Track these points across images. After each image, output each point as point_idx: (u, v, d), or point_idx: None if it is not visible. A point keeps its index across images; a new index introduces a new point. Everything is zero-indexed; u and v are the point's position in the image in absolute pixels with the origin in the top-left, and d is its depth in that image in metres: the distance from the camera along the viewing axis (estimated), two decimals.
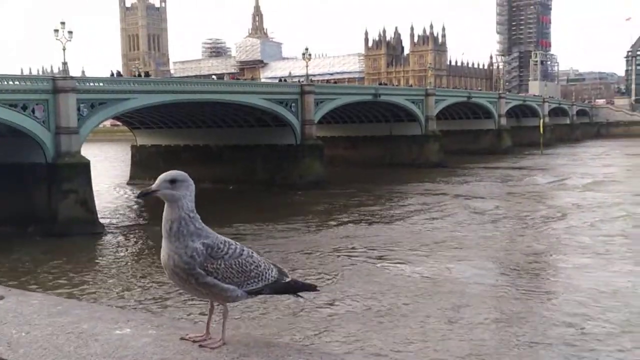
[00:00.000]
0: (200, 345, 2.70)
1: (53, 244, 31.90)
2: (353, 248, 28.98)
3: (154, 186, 2.74)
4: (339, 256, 27.31)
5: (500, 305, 19.44)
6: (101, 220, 37.58)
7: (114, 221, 40.02)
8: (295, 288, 2.93)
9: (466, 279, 22.84)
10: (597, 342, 15.89)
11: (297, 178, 53.54)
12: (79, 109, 39.73)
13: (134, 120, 59.29)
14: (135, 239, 34.32)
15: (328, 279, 22.88)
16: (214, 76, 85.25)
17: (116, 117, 55.99)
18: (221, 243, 2.76)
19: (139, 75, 70.62)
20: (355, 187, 52.27)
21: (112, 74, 54.38)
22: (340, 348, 14.17)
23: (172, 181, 2.73)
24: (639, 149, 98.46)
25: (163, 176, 2.74)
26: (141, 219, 41.73)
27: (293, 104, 56.09)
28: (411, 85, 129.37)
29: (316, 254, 27.55)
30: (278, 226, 34.53)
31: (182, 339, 2.79)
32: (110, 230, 36.47)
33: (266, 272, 2.84)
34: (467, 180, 58.42)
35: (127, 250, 31.67)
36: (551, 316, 18.22)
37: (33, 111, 37.38)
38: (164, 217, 2.73)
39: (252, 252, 2.84)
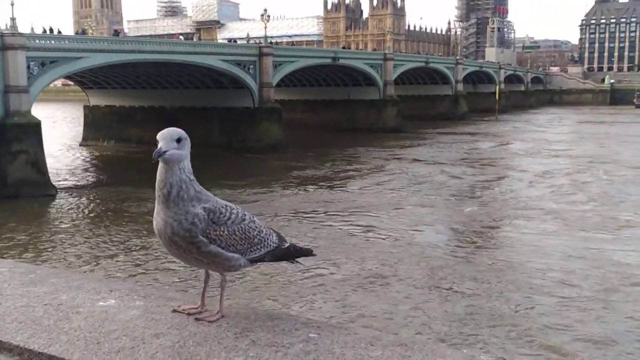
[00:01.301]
0: (197, 319, 2.47)
1: (4, 207, 30.91)
2: (314, 212, 28.88)
3: (163, 146, 2.40)
4: (301, 220, 27.18)
5: (467, 269, 19.66)
6: (53, 182, 36.57)
7: (66, 183, 39.02)
8: (294, 253, 2.72)
9: (428, 243, 23.09)
10: (565, 308, 16.18)
11: (254, 142, 53.00)
12: (28, 67, 38.34)
13: (87, 80, 57.61)
14: (89, 201, 33.54)
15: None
16: (181, 37, 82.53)
17: (68, 77, 54.28)
18: (222, 207, 2.51)
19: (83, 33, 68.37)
20: (314, 151, 52.09)
21: (45, 30, 52.26)
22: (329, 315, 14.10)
23: (179, 139, 2.43)
24: (590, 116, 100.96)
25: (168, 134, 2.42)
26: (94, 180, 40.81)
27: (251, 66, 55.20)
28: (374, 50, 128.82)
29: (277, 218, 27.34)
30: (237, 191, 34.16)
31: (174, 311, 2.55)
32: (62, 192, 35.54)
33: (268, 238, 2.61)
34: (424, 145, 58.86)
35: (83, 212, 30.91)
36: (519, 281, 18.44)
37: None
38: (159, 179, 2.43)
39: (253, 217, 2.60)
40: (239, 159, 47.48)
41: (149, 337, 2.30)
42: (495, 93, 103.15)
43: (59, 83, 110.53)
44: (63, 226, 27.68)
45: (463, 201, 31.82)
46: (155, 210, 2.47)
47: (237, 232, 2.50)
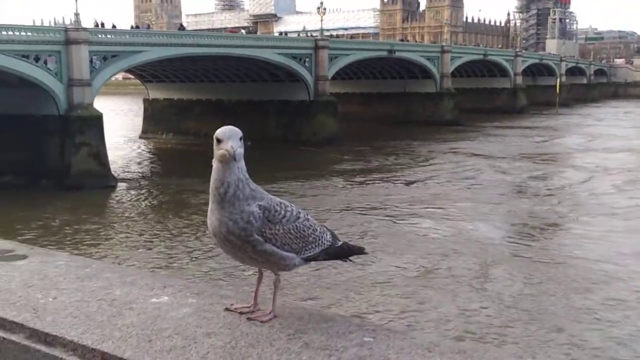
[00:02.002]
0: (249, 318, 2.42)
1: (68, 197, 31.82)
2: (370, 206, 28.74)
3: (235, 145, 2.32)
4: (358, 215, 27.06)
5: (526, 267, 19.24)
6: (114, 174, 37.45)
7: (126, 174, 39.92)
8: (347, 252, 2.66)
9: (488, 240, 22.71)
10: (624, 309, 15.65)
11: (310, 135, 53.07)
12: (91, 61, 39.30)
13: (147, 73, 58.73)
14: (147, 192, 34.22)
15: (354, 240, 22.55)
16: (242, 31, 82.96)
17: (128, 70, 55.44)
18: (277, 205, 2.45)
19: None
20: (369, 144, 51.82)
21: (97, 25, 53.18)
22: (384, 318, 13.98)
23: (241, 138, 2.37)
24: None
25: (233, 132, 2.34)
26: (153, 173, 41.64)
27: (307, 59, 55.30)
28: (432, 42, 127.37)
29: (333, 212, 27.31)
30: (292, 184, 34.28)
31: (226, 309, 2.52)
32: (122, 184, 36.37)
33: (322, 237, 2.55)
34: (481, 138, 57.86)
35: (142, 203, 31.57)
36: (576, 282, 17.90)
37: (45, 62, 37.02)
38: (215, 178, 2.38)
39: (307, 215, 2.54)
40: (294, 151, 47.67)
41: (200, 336, 2.26)
42: (555, 86, 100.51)
43: (119, 76, 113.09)
44: (122, 218, 28.31)
45: (522, 197, 31.16)
46: (210, 209, 2.43)
47: (292, 231, 2.45)
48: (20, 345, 2.40)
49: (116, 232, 25.23)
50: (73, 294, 2.72)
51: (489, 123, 71.73)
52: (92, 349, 2.25)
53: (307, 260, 2.53)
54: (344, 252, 2.64)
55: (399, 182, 35.66)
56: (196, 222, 25.77)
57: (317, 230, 2.53)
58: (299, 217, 2.49)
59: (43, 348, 2.34)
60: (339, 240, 2.63)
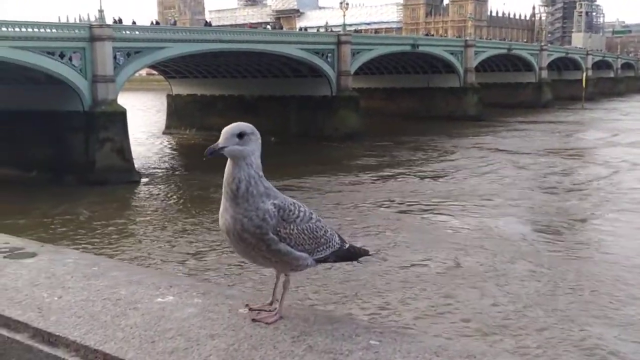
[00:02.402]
0: (254, 320, 2.37)
1: (92, 193, 32.12)
2: (394, 201, 28.62)
3: (221, 142, 2.35)
4: (382, 210, 26.94)
5: (553, 262, 19.02)
6: (137, 169, 37.73)
7: (150, 170, 40.20)
8: (355, 254, 2.63)
9: (516, 235, 22.53)
10: None
11: (332, 130, 52.95)
12: (115, 58, 39.60)
13: (170, 69, 59.05)
14: (170, 188, 34.43)
15: (375, 235, 22.42)
16: (268, 26, 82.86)
17: (152, 66, 55.81)
18: (291, 205, 2.43)
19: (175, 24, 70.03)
20: (392, 139, 51.55)
21: (115, 21, 53.49)
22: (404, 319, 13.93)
23: (240, 135, 2.36)
24: None
25: (229, 129, 2.37)
26: (177, 168, 41.87)
27: (329, 55, 55.19)
28: (457, 36, 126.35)
29: (358, 208, 27.21)
30: (315, 180, 34.22)
31: (248, 307, 2.50)
32: (146, 179, 36.64)
33: (332, 239, 2.54)
34: (506, 134, 57.28)
35: (164, 199, 31.77)
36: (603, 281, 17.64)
37: (70, 59, 37.39)
38: (227, 175, 2.36)
39: (318, 217, 2.51)
40: (316, 147, 47.61)
41: (203, 338, 2.22)
42: (581, 80, 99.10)
43: (143, 72, 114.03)
44: (145, 213, 28.51)
45: (548, 192, 30.81)
46: (222, 208, 2.40)
47: (306, 231, 2.43)
48: (24, 345, 2.38)
49: (139, 227, 25.42)
50: (79, 293, 2.69)
51: (514, 118, 71.01)
52: (95, 349, 2.21)
53: (318, 261, 2.50)
54: (351, 254, 2.62)
55: (422, 177, 35.45)
56: (214, 217, 25.83)
57: (327, 232, 2.52)
58: (311, 218, 2.47)
59: (46, 348, 2.32)
60: (346, 243, 2.62)
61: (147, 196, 32.75)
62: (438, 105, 72.51)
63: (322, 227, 2.49)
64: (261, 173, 2.40)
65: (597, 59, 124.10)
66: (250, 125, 2.41)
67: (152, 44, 42.52)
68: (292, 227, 2.38)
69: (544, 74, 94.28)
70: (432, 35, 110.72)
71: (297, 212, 2.41)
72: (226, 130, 2.37)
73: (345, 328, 2.26)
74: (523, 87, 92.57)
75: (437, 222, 24.64)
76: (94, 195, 31.59)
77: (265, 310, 2.47)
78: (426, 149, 47.02)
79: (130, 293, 2.67)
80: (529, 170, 37.41)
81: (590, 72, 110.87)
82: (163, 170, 40.72)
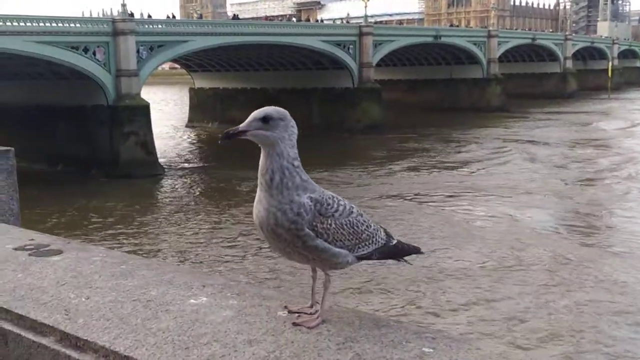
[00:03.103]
0: (295, 324, 2.20)
1: (116, 185, 32.26)
2: (418, 194, 28.32)
3: (242, 125, 2.18)
4: (406, 204, 26.67)
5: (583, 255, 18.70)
6: (161, 162, 37.82)
7: (173, 164, 40.29)
8: (402, 251, 2.43)
9: (543, 228, 22.27)
10: None
11: (354, 122, 52.65)
12: (138, 52, 39.70)
13: (192, 63, 59.14)
14: (193, 181, 34.46)
15: (405, 229, 22.12)
16: (293, 18, 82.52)
17: (174, 60, 55.92)
18: (329, 198, 2.24)
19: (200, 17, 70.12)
20: (415, 131, 51.10)
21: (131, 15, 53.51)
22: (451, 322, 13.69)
23: (265, 119, 2.17)
24: None
25: (255, 113, 2.20)
26: (200, 161, 41.92)
27: (351, 46, 54.82)
28: (482, 27, 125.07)
29: (382, 200, 26.95)
30: (337, 173, 34.00)
31: (290, 312, 2.32)
32: (170, 173, 36.71)
33: (376, 234, 2.33)
34: (530, 125, 56.51)
35: (187, 193, 31.78)
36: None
37: (94, 54, 37.55)
38: (260, 165, 2.19)
39: (360, 211, 2.32)
40: (338, 139, 47.34)
41: (241, 344, 2.05)
42: (607, 70, 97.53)
43: (166, 66, 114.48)
44: (167, 207, 28.48)
45: (576, 184, 30.32)
46: (256, 199, 2.23)
47: (345, 226, 2.23)
48: (50, 350, 2.24)
49: (164, 221, 25.42)
50: (107, 294, 2.54)
51: (538, 109, 70.05)
52: (125, 356, 2.06)
53: (360, 258, 2.31)
54: (398, 251, 2.42)
55: (446, 170, 35.06)
56: (244, 210, 25.83)
57: (371, 226, 2.32)
58: (352, 212, 2.27)
59: (74, 354, 2.18)
60: (393, 239, 2.41)
61: (171, 189, 32.80)
62: (461, 96, 71.77)
63: (365, 221, 2.30)
64: (297, 163, 2.22)
65: (623, 48, 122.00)
66: (281, 110, 2.23)
67: (174, 37, 42.56)
68: (329, 221, 2.20)
69: (569, 63, 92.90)
70: (457, 26, 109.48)
71: (335, 206, 2.24)
72: (253, 114, 2.21)
73: (395, 334, 2.08)
74: (547, 77, 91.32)
75: (461, 216, 24.31)
76: (118, 188, 31.73)
77: (306, 313, 2.30)
78: (449, 141, 46.52)
79: (161, 294, 2.52)
80: (556, 162, 36.83)
81: (616, 62, 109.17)
82: (186, 164, 40.78)
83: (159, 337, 2.15)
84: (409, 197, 27.80)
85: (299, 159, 2.21)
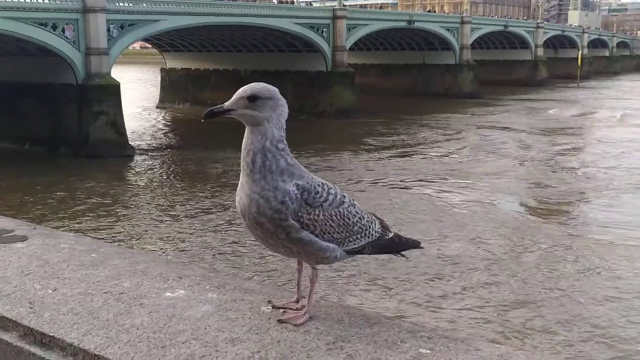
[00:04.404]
0: (280, 320, 2.05)
1: (85, 166, 31.68)
2: (389, 179, 28.31)
3: (228, 103, 2.01)
4: (376, 189, 26.62)
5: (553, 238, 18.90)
6: (131, 143, 37.26)
7: (144, 144, 39.72)
8: (399, 245, 2.25)
9: (513, 212, 22.65)
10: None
11: (327, 106, 52.40)
12: (108, 30, 38.92)
13: (164, 42, 58.24)
14: (164, 162, 34.01)
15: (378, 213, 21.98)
16: (274, 0, 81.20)
17: (146, 40, 54.99)
18: (318, 186, 2.06)
19: None
20: (387, 116, 51.04)
21: None
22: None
23: (252, 97, 2.00)
24: None
25: (240, 90, 2.03)
26: (170, 142, 41.39)
27: (324, 29, 54.45)
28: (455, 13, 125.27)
29: (351, 186, 26.83)
30: (308, 156, 33.70)
31: (271, 304, 2.16)
32: (140, 154, 36.18)
33: (370, 226, 2.15)
34: (501, 111, 56.88)
35: (158, 174, 31.36)
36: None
37: (63, 31, 36.71)
38: (243, 146, 2.02)
39: (352, 200, 2.14)
40: (310, 123, 47.05)
41: (223, 343, 1.90)
42: (577, 58, 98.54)
43: (137, 46, 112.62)
44: (137, 189, 28.03)
45: (541, 171, 30.63)
46: (239, 184, 2.05)
47: (335, 217, 2.05)
48: (13, 346, 2.06)
49: (134, 204, 24.99)
50: (76, 285, 2.36)
51: (509, 96, 70.55)
52: (96, 355, 1.89)
53: (351, 253, 2.14)
54: (395, 245, 2.24)
55: (416, 155, 35.10)
56: (213, 193, 25.56)
57: (364, 218, 2.14)
58: (343, 202, 2.09)
59: (38, 351, 2.00)
60: (390, 232, 2.23)
61: (141, 170, 32.33)
62: (433, 82, 71.92)
63: (357, 212, 2.12)
64: (281, 146, 2.05)
65: (592, 37, 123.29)
66: (270, 87, 2.06)
67: (146, 16, 41.79)
68: (317, 212, 2.02)
69: (540, 51, 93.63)
70: (434, 12, 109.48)
71: (325, 195, 2.05)
72: (238, 91, 2.05)
73: (388, 332, 1.94)
74: (519, 64, 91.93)
75: (429, 201, 24.40)
76: (87, 169, 31.14)
77: (292, 309, 2.14)
78: (420, 127, 46.60)
79: (135, 285, 2.34)
80: (526, 148, 37.13)
81: (585, 51, 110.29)
82: (157, 145, 40.23)
83: (132, 334, 1.98)
84: (381, 181, 27.77)
85: (285, 142, 2.05)
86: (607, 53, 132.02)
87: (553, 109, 58.39)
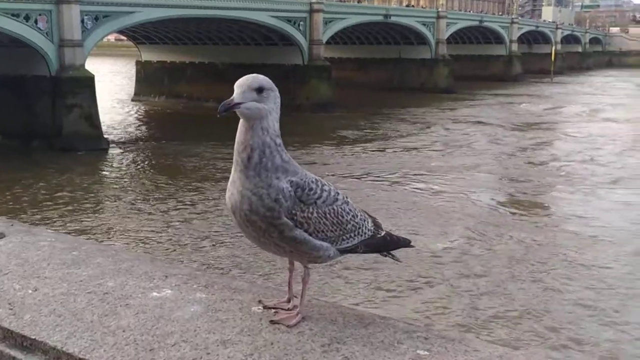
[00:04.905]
0: (272, 321, 1.98)
1: (59, 159, 31.22)
2: (362, 173, 28.34)
3: (237, 97, 1.92)
4: (349, 183, 26.62)
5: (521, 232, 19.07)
6: (105, 136, 36.82)
7: (119, 137, 39.28)
8: (391, 244, 2.19)
9: (486, 205, 22.85)
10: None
11: (303, 100, 52.20)
12: (82, 22, 38.33)
13: (139, 35, 57.61)
14: (139, 156, 33.64)
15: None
16: None
17: (121, 32, 54.34)
18: (312, 182, 2.00)
19: None
20: (363, 110, 51.06)
21: None
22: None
23: (260, 89, 1.93)
24: None
25: (246, 82, 1.95)
26: (146, 136, 40.96)
27: (301, 23, 54.27)
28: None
29: (333, 178, 26.75)
30: (287, 151, 33.64)
31: (262, 304, 2.09)
32: (115, 147, 35.77)
33: (363, 225, 2.09)
34: (475, 106, 57.19)
35: (134, 167, 30.99)
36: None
37: (36, 22, 36.08)
38: (238, 141, 1.93)
39: (346, 197, 2.09)
40: (287, 117, 46.40)
41: (214, 346, 1.83)
42: (551, 54, 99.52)
43: (112, 38, 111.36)
44: (113, 183, 27.65)
45: (514, 165, 30.97)
46: (230, 179, 1.98)
47: (329, 215, 2.00)
48: None
49: (107, 197, 24.69)
50: (57, 285, 2.28)
51: (484, 91, 70.97)
52: (80, 358, 1.82)
53: (343, 252, 2.08)
54: (387, 244, 2.19)
55: (391, 149, 35.16)
56: (188, 186, 25.36)
57: (357, 216, 2.08)
58: (337, 199, 2.03)
59: (19, 355, 1.92)
60: (382, 230, 2.18)
61: (116, 164, 31.95)
62: (409, 76, 72.17)
63: (351, 210, 2.06)
64: (279, 141, 1.99)
65: (566, 33, 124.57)
66: (268, 79, 2.00)
67: (121, 8, 41.24)
68: (311, 210, 1.96)
69: (515, 47, 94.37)
70: (412, 5, 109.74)
71: (319, 192, 1.99)
72: (242, 82, 1.97)
73: (384, 333, 1.89)
74: (494, 59, 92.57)
75: (402, 194, 24.53)
76: (61, 162, 30.69)
77: (283, 309, 2.08)
78: (395, 121, 46.69)
79: (120, 285, 2.26)
80: (499, 143, 37.43)
81: (559, 46, 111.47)
82: (132, 138, 39.79)
83: (118, 336, 1.91)
84: (357, 175, 27.79)
85: (280, 135, 1.98)
86: (580, 49, 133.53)
87: (527, 104, 58.95)
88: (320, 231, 1.99)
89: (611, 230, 19.65)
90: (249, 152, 1.94)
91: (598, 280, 15.42)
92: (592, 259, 17.00)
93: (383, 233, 2.18)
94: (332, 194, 2.04)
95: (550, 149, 35.79)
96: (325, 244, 2.01)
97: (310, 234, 1.97)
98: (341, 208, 2.04)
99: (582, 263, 16.68)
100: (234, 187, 1.96)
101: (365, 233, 2.11)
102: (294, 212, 1.94)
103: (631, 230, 19.72)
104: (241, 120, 1.96)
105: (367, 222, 2.14)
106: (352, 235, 2.07)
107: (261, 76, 1.98)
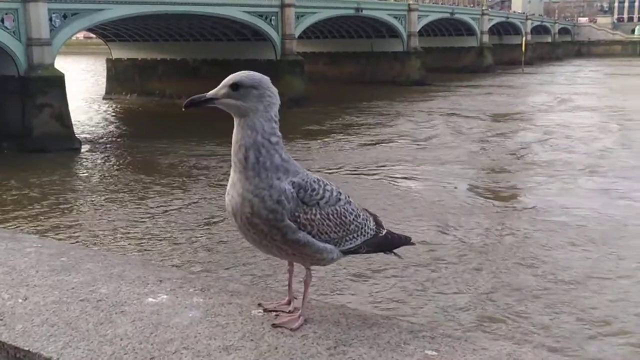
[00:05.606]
0: (274, 325, 1.94)
1: (30, 161, 30.71)
2: (337, 167, 28.37)
3: (211, 92, 1.89)
4: (332, 174, 26.61)
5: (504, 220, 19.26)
6: (77, 136, 36.31)
7: (91, 137, 38.77)
8: (393, 243, 2.16)
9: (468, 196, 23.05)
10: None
11: None
12: (50, 20, 37.72)
13: (109, 32, 56.87)
14: (113, 155, 33.26)
15: None
16: None
17: (90, 30, 53.61)
18: (314, 182, 1.95)
19: None
20: (336, 104, 51.09)
21: None
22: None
23: (235, 86, 1.89)
24: (618, 68, 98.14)
25: (226, 79, 1.92)
26: (118, 134, 40.49)
27: (273, 17, 54.03)
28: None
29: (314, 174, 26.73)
30: None
31: (262, 307, 2.04)
32: (87, 147, 35.31)
33: (365, 224, 2.04)
34: (447, 98, 57.46)
35: (108, 167, 30.62)
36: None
37: (2, 21, 35.43)
38: (233, 141, 1.89)
39: (348, 197, 2.04)
40: None
41: (216, 352, 1.78)
42: (521, 45, 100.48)
43: (81, 36, 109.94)
44: (87, 182, 27.29)
45: (482, 154, 31.31)
46: (230, 182, 1.93)
47: (332, 216, 1.95)
48: None
49: (81, 198, 24.33)
50: (48, 293, 2.20)
51: (456, 82, 71.38)
52: None
53: (346, 253, 2.03)
54: (389, 243, 2.15)
55: (364, 143, 35.20)
56: (163, 184, 25.15)
57: (360, 216, 2.04)
58: (339, 199, 1.98)
59: None
60: (383, 228, 2.14)
61: (90, 165, 31.51)
62: (382, 69, 72.34)
63: (353, 210, 2.02)
64: (274, 139, 1.93)
65: (535, 23, 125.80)
66: (256, 76, 1.95)
67: (90, 5, 40.66)
68: (314, 211, 1.92)
69: (486, 38, 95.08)
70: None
71: (321, 193, 1.94)
72: (226, 80, 1.96)
73: (389, 334, 1.85)
74: (465, 51, 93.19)
75: (376, 186, 24.67)
76: (32, 164, 30.17)
77: (284, 312, 2.03)
78: (368, 114, 46.74)
79: (113, 291, 2.20)
80: (470, 134, 37.74)
81: (529, 37, 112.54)
82: (104, 137, 39.30)
83: (116, 345, 1.85)
84: (334, 169, 27.81)
85: (279, 134, 1.93)
86: (549, 39, 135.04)
87: (498, 95, 59.48)
88: (323, 233, 1.94)
89: (581, 216, 20.00)
90: (244, 152, 1.89)
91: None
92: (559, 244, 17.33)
93: (384, 232, 2.15)
94: (334, 194, 2.00)
95: (521, 139, 36.14)
96: (329, 245, 1.97)
97: (313, 236, 1.93)
98: (344, 208, 2.00)
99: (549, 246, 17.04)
100: (233, 189, 1.91)
101: (367, 233, 2.07)
102: (296, 214, 1.90)
103: (600, 214, 20.13)
104: (235, 121, 1.93)
105: (369, 222, 2.10)
106: (355, 235, 2.03)
107: (245, 73, 1.94)
